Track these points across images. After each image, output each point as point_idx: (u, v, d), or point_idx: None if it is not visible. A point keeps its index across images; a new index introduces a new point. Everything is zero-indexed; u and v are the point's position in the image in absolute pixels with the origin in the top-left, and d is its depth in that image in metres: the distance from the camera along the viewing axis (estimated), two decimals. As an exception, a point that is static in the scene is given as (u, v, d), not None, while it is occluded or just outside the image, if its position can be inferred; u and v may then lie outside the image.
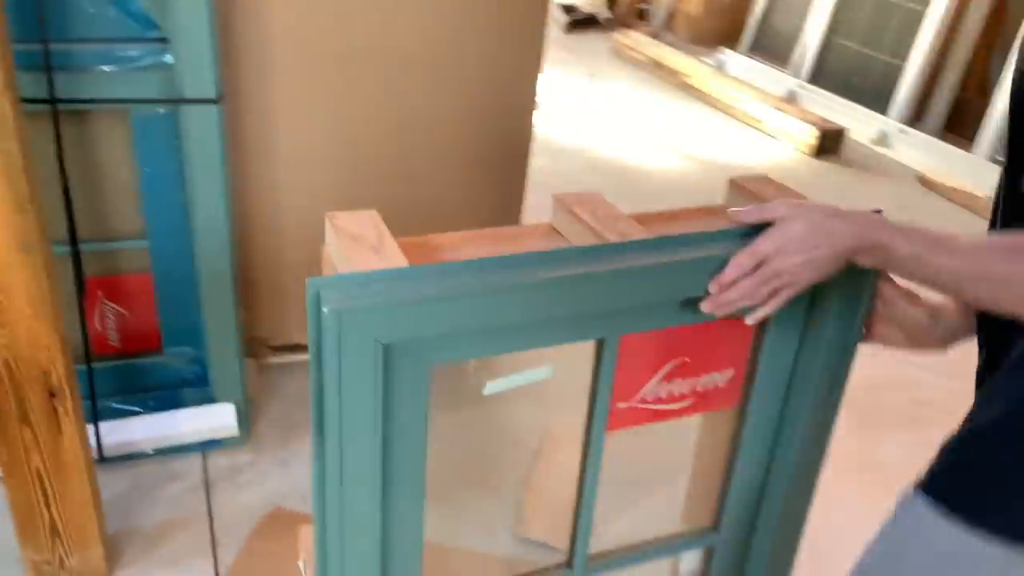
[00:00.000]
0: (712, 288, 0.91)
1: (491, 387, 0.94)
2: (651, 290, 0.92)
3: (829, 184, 4.13)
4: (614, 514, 1.97)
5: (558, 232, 1.04)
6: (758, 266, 0.90)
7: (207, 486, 1.99)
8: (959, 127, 4.65)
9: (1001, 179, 0.95)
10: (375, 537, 0.90)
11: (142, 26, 1.72)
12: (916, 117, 4.72)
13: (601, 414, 1.01)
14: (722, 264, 0.90)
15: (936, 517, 0.88)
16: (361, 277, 0.79)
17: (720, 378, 1.08)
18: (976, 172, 4.12)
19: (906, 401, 2.52)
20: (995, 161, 4.18)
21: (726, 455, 1.15)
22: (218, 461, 2.07)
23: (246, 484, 2.01)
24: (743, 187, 1.07)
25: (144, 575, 1.74)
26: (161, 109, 1.78)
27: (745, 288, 0.90)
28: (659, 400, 1.06)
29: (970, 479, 0.89)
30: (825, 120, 4.58)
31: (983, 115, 4.32)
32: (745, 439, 1.12)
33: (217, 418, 2.05)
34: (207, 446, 2.08)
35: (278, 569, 1.78)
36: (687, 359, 1.04)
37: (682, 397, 1.07)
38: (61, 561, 1.65)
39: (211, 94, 1.75)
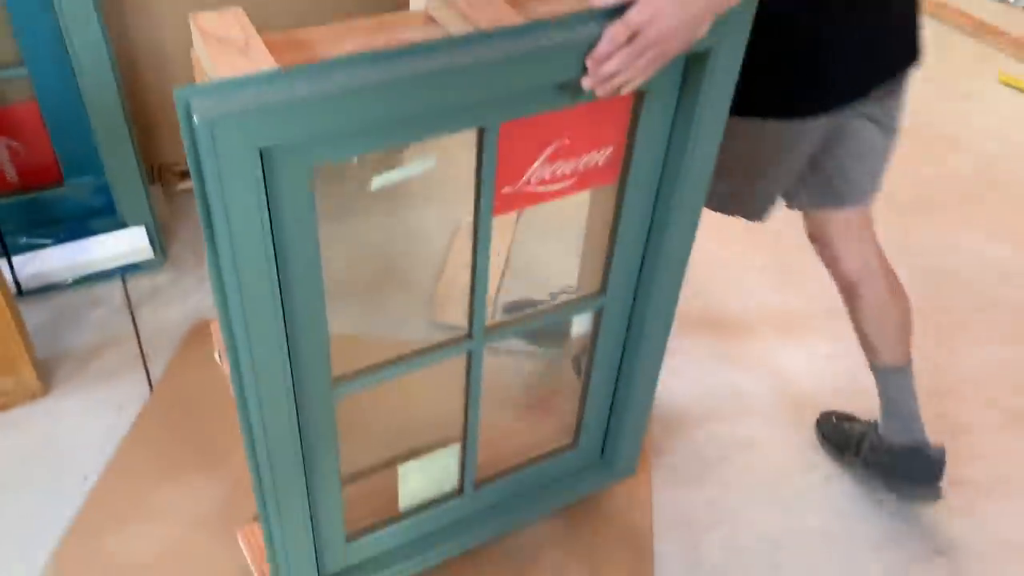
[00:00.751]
0: (589, 64, 0.94)
1: (377, 181, 0.99)
2: (526, 76, 0.95)
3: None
4: (518, 288, 2.12)
5: (433, 20, 1.03)
6: (632, 38, 0.93)
7: (130, 307, 2.05)
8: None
9: None
10: (279, 332, 0.98)
11: None
12: None
13: (487, 200, 1.08)
14: (595, 42, 0.92)
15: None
16: (230, 83, 0.80)
17: (599, 156, 1.14)
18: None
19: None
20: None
21: (611, 225, 1.24)
22: (138, 284, 2.12)
23: (168, 302, 2.07)
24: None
25: (79, 391, 1.84)
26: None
27: (622, 60, 0.93)
28: (543, 182, 1.12)
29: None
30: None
31: None
32: (626, 210, 1.20)
33: (130, 241, 2.09)
34: (126, 271, 2.12)
35: (205, 374, 1.88)
36: (567, 140, 1.09)
37: (564, 177, 1.13)
38: (-4, 386, 1.73)
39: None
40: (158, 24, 2.13)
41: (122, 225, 2.11)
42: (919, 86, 3.00)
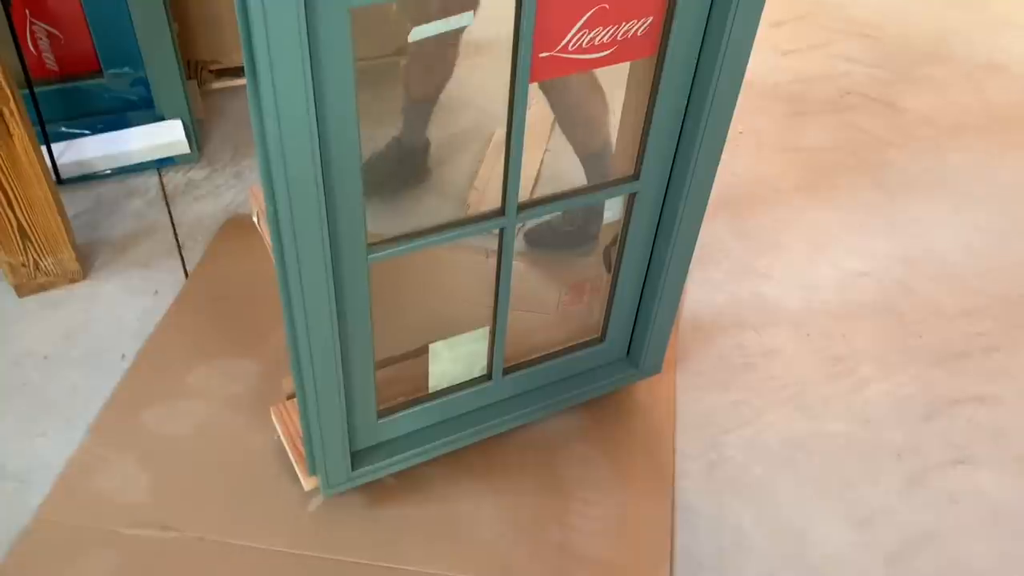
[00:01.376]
0: None
1: (416, 32, 1.00)
2: None
3: None
4: (552, 174, 2.13)
5: None
6: None
7: (166, 199, 2.08)
8: None
9: None
10: (316, 173, 0.99)
11: None
12: None
13: (524, 63, 1.07)
14: None
15: None
16: None
17: (638, 25, 1.13)
18: None
19: (832, 90, 2.63)
20: None
21: (648, 105, 1.23)
22: (174, 177, 2.15)
23: (203, 196, 2.10)
24: None
25: (117, 276, 1.88)
26: None
27: None
28: (580, 50, 1.11)
29: None
30: None
31: None
32: (663, 89, 1.19)
33: (167, 134, 2.11)
34: (162, 164, 2.15)
35: (240, 265, 1.92)
36: (606, 5, 1.09)
37: (603, 46, 1.12)
38: (36, 263, 1.76)
39: None
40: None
41: (159, 118, 2.13)
42: (962, 15, 2.98)
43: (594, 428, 1.63)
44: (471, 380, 1.47)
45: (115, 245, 1.96)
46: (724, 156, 2.40)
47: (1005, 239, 2.13)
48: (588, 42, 1.11)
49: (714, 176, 1.32)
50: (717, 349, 1.82)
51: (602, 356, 1.59)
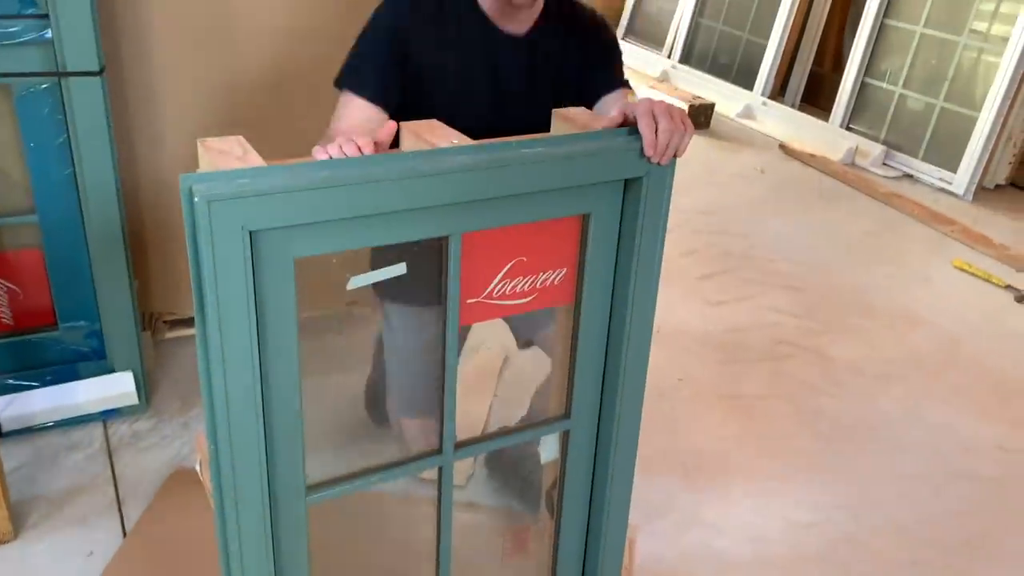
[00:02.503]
0: (649, 150, 1.14)
1: (354, 281, 1.08)
2: (489, 186, 1.08)
3: (700, 154, 4.40)
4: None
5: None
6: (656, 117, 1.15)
7: (109, 452, 2.05)
8: (815, 99, 5.03)
9: None
10: (257, 412, 1.03)
11: (21, 3, 1.79)
12: (779, 91, 5.07)
13: (454, 307, 1.16)
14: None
15: None
16: (228, 173, 0.92)
17: (554, 275, 1.25)
18: (830, 139, 4.49)
19: (765, 339, 2.78)
20: (848, 129, 4.55)
21: (571, 346, 1.31)
22: (119, 429, 2.13)
23: (148, 448, 2.08)
24: (566, 116, 1.26)
25: (51, 534, 1.81)
26: (44, 83, 1.84)
27: (666, 129, 1.14)
28: (504, 296, 1.23)
29: None
30: (696, 96, 4.88)
31: (836, 88, 4.69)
32: (583, 329, 1.28)
33: (116, 386, 2.12)
34: (107, 415, 2.14)
35: (183, 523, 1.87)
36: (525, 258, 1.21)
37: (524, 294, 1.24)
38: (-35, 523, 1.70)
39: (94, 66, 1.83)
40: (167, 165, 2.27)
41: (110, 370, 2.14)
42: (882, 269, 3.23)
43: None
44: None
45: (51, 501, 1.90)
46: (664, 406, 2.47)
47: (939, 486, 2.19)
48: (511, 290, 1.22)
49: (640, 405, 1.38)
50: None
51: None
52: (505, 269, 1.19)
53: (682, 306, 2.95)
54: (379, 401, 2.00)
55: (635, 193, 1.20)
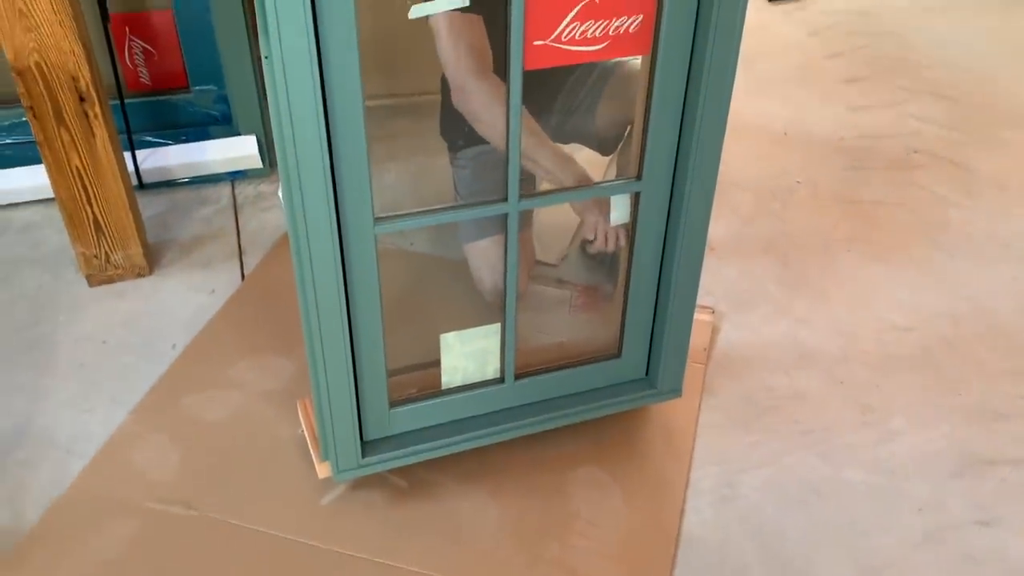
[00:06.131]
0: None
1: (415, 10, 1.09)
2: None
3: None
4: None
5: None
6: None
7: (235, 208, 2.22)
8: None
9: None
10: (320, 133, 1.09)
11: None
12: None
13: (517, 49, 1.14)
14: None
15: None
16: None
17: (629, 22, 1.20)
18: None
19: (900, 148, 2.60)
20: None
21: (645, 103, 1.28)
22: (245, 189, 2.29)
23: (269, 208, 2.23)
24: None
25: (181, 273, 2.02)
26: None
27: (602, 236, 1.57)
28: (574, 41, 1.18)
29: None
30: None
31: None
32: (658, 87, 1.24)
33: (242, 148, 2.26)
34: (235, 176, 2.30)
35: (292, 272, 2.01)
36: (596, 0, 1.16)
37: (596, 40, 1.19)
38: (107, 256, 1.91)
39: None
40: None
41: (236, 134, 2.28)
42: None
43: (608, 449, 1.65)
44: (484, 381, 1.52)
45: (183, 245, 2.10)
46: (776, 205, 2.40)
47: (1064, 305, 2.05)
48: (581, 34, 1.18)
49: (717, 168, 1.35)
50: (744, 388, 1.81)
51: (619, 373, 1.60)
52: (576, 10, 1.14)
53: (819, 110, 2.78)
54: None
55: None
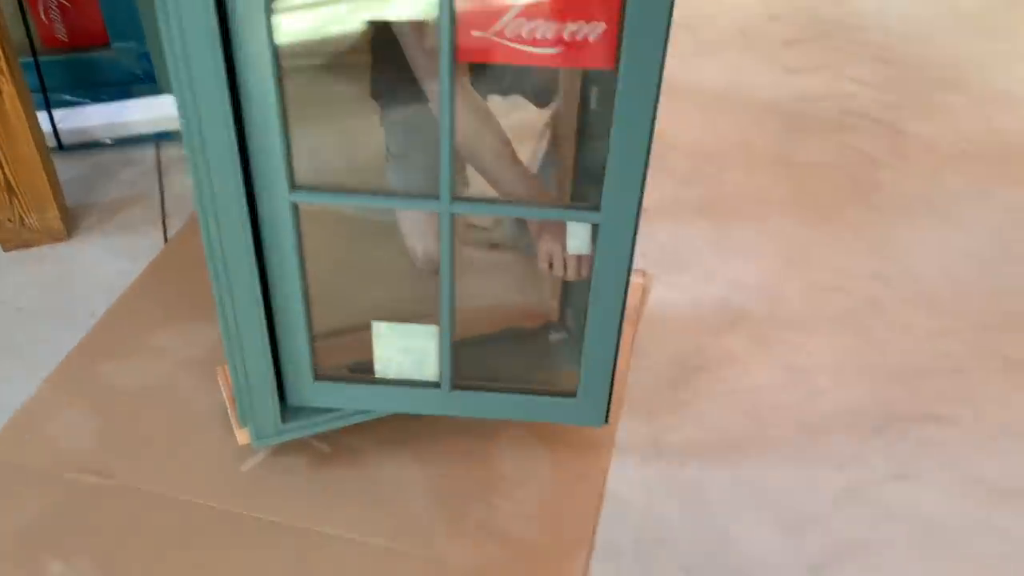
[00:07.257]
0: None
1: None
2: None
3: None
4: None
5: None
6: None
7: (159, 171, 2.16)
8: None
9: None
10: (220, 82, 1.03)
11: None
12: None
13: (446, 37, 1.05)
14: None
15: None
16: None
17: (588, 30, 1.09)
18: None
19: (835, 110, 2.61)
20: None
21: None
22: (170, 150, 2.23)
23: (196, 170, 2.17)
24: None
25: (100, 238, 1.96)
26: None
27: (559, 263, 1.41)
28: (520, 39, 1.08)
29: None
30: None
31: None
32: (619, 109, 1.12)
33: (167, 108, 2.19)
34: (161, 138, 2.23)
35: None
36: None
37: (547, 43, 1.08)
38: (21, 219, 1.85)
39: None
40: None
41: (160, 92, 2.21)
42: (987, 46, 2.94)
43: (536, 415, 1.65)
44: (421, 381, 1.45)
45: (104, 209, 2.04)
46: (710, 168, 2.40)
47: (989, 266, 2.09)
48: (529, 33, 1.08)
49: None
50: (674, 349, 1.82)
51: (575, 414, 1.48)
52: (520, 3, 1.04)
53: (756, 72, 2.78)
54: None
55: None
